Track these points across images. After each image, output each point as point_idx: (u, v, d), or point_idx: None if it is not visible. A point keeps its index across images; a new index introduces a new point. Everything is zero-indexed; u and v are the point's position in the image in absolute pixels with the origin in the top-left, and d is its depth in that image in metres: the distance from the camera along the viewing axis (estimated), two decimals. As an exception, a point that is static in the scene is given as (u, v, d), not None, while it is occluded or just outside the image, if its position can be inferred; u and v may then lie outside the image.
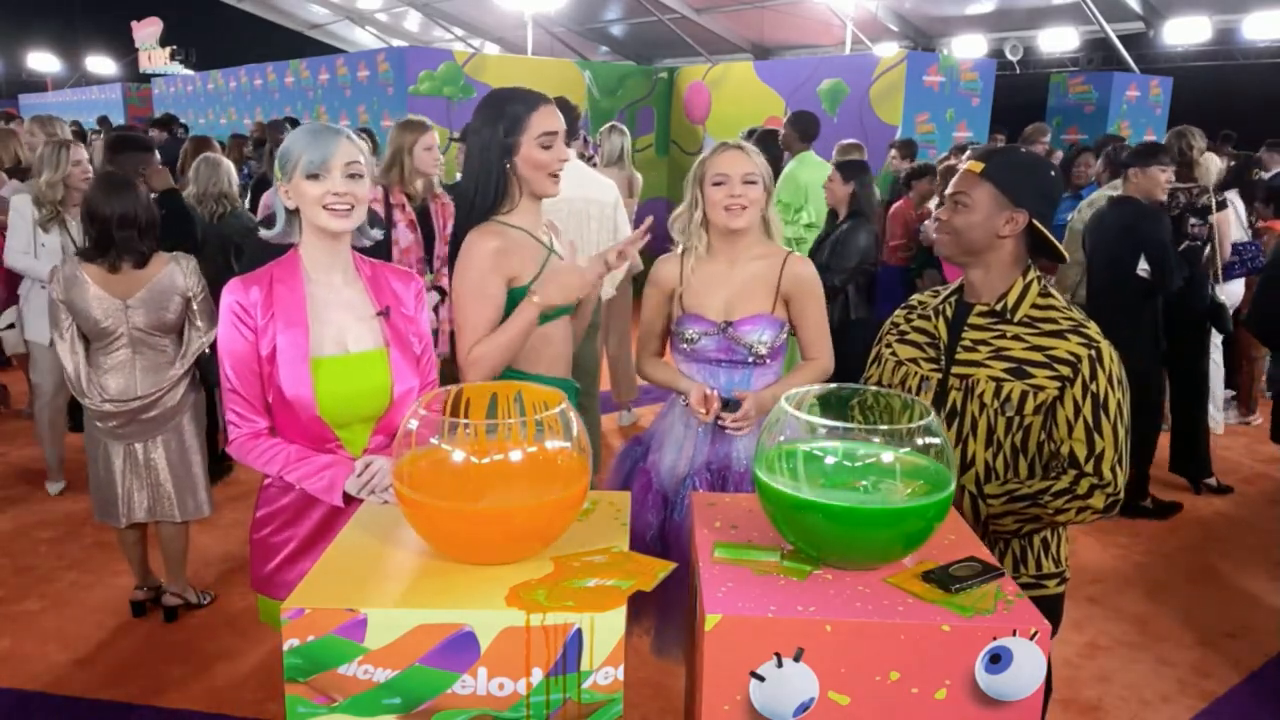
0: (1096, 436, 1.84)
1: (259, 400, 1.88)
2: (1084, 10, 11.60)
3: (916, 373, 2.01)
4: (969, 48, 13.88)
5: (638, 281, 4.45)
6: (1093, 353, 1.85)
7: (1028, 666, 1.27)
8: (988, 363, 1.91)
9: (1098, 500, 1.84)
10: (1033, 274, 1.95)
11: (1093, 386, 1.84)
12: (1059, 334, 1.87)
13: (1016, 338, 1.91)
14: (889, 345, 2.13)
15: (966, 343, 1.95)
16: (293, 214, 1.90)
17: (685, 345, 2.42)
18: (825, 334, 2.45)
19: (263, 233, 1.96)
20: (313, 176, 1.81)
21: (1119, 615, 3.59)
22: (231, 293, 1.86)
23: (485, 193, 2.18)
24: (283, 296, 1.87)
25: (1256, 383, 5.92)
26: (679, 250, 2.48)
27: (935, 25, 14.42)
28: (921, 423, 1.44)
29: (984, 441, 1.92)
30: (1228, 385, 6.35)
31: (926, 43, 14.40)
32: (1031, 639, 1.27)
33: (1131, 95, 10.85)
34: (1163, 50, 13.12)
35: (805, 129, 5.75)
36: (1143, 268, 4.19)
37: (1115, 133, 9.24)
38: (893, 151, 7.21)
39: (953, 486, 1.41)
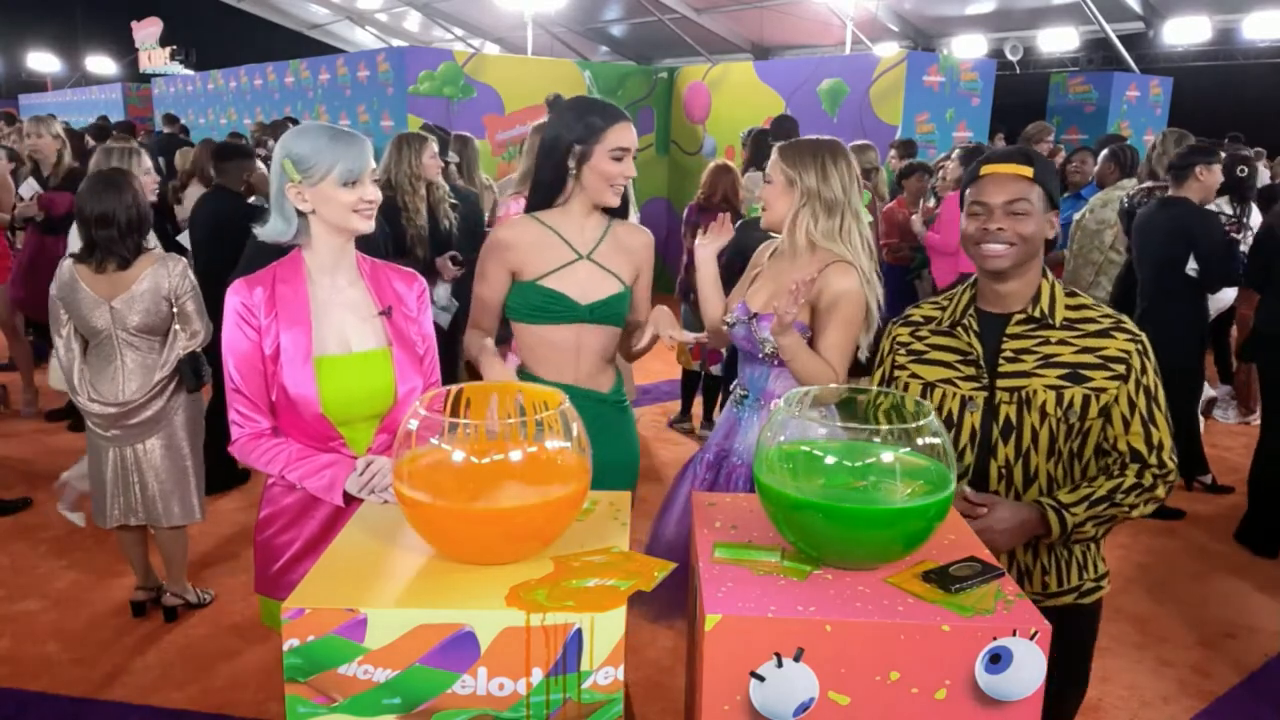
0: (1152, 428, 1.84)
1: (263, 400, 1.89)
2: (1084, 10, 11.62)
3: (955, 393, 1.90)
4: (969, 48, 13.89)
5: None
6: (1138, 346, 1.84)
7: (1028, 666, 1.27)
8: (1039, 371, 1.84)
9: (1161, 490, 1.85)
10: (1049, 274, 1.93)
11: (1144, 380, 1.84)
12: (1104, 333, 1.85)
13: (1063, 342, 1.85)
14: (904, 368, 1.99)
15: (1008, 353, 1.87)
16: (300, 215, 1.88)
17: (724, 327, 2.52)
18: (834, 349, 2.34)
19: (262, 232, 1.93)
20: (348, 184, 1.83)
21: (1119, 615, 3.59)
22: (236, 294, 1.87)
23: (539, 190, 2.33)
24: (286, 296, 1.88)
25: (1253, 378, 5.91)
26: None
27: (935, 25, 14.44)
28: (921, 423, 1.44)
29: (1045, 452, 1.86)
30: (1226, 383, 6.35)
31: (926, 43, 14.41)
32: (1031, 639, 1.26)
33: (1131, 95, 10.85)
34: (1163, 50, 13.13)
35: (780, 133, 5.76)
36: (1191, 267, 4.22)
37: (1115, 132, 9.24)
38: (893, 151, 7.22)
39: (953, 487, 1.41)
